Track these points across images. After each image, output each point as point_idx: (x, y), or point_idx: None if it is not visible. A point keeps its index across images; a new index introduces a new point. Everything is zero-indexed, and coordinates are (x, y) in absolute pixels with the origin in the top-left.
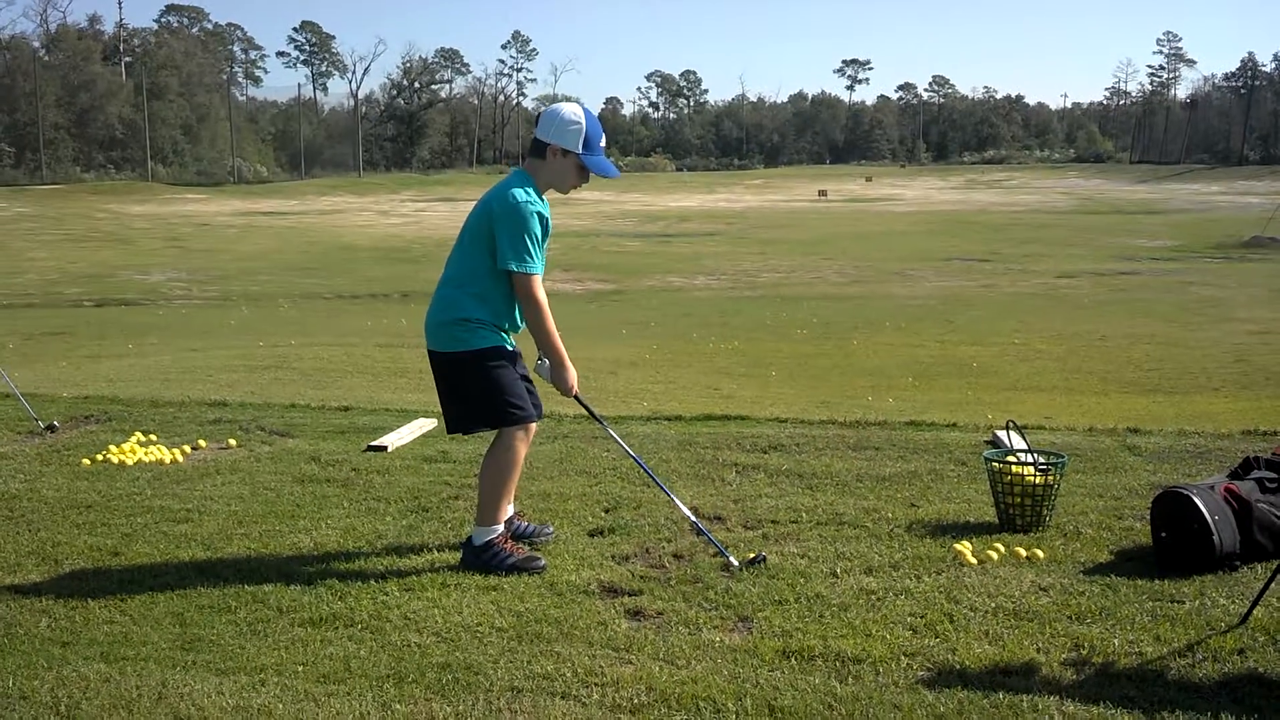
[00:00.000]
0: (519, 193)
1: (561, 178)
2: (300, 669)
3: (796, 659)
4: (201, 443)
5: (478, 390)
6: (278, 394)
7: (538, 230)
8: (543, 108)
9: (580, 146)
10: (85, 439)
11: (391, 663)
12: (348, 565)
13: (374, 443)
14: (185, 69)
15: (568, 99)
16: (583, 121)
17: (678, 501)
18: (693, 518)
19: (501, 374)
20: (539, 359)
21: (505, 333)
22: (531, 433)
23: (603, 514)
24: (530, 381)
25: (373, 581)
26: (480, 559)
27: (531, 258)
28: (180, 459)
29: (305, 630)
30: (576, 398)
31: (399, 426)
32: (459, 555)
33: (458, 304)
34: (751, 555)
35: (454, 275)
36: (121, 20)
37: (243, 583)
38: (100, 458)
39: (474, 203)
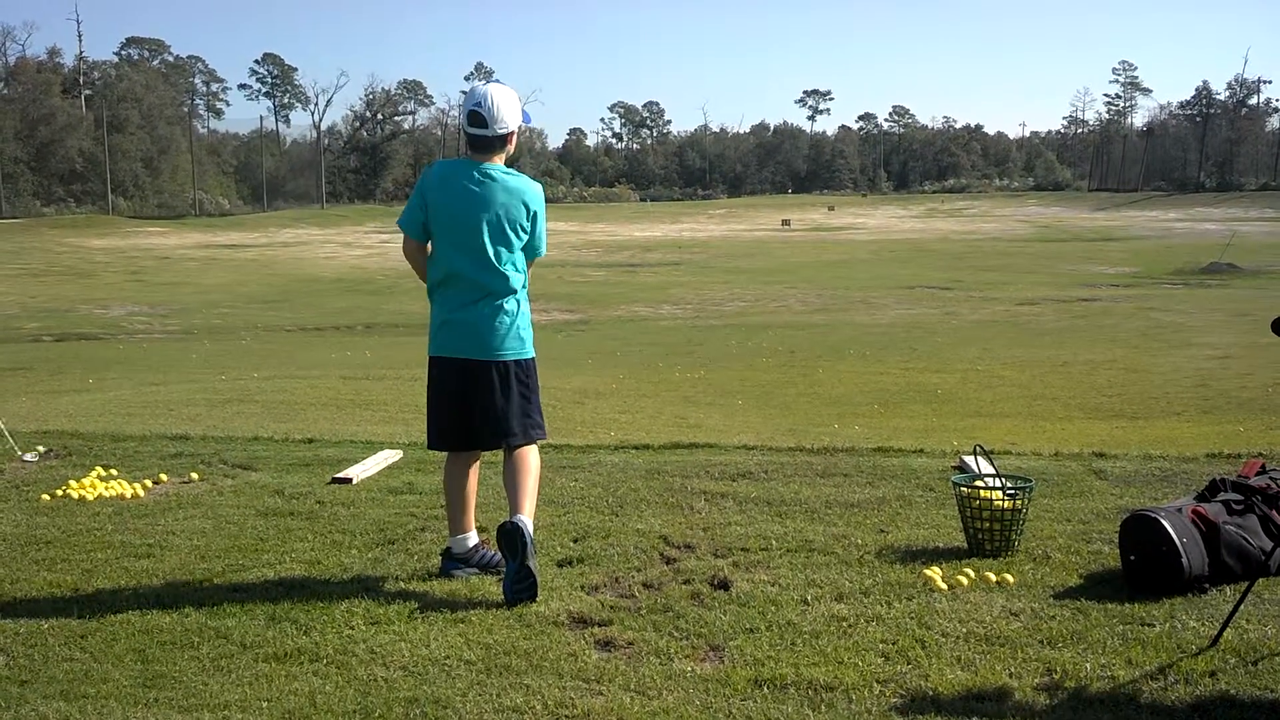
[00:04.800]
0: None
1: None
2: (265, 705)
3: (769, 688)
4: (163, 477)
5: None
6: (240, 427)
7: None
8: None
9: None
10: (45, 474)
11: (358, 698)
12: (312, 599)
13: (339, 475)
14: (146, 101)
15: (530, 129)
16: (516, 96)
17: None
18: None
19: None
20: None
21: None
22: (453, 458)
23: (571, 544)
24: (472, 407)
25: (338, 615)
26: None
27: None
28: (141, 493)
29: (269, 666)
30: None
31: (364, 458)
32: (426, 587)
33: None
34: None
35: None
36: (81, 53)
37: (205, 618)
38: (60, 493)
39: None
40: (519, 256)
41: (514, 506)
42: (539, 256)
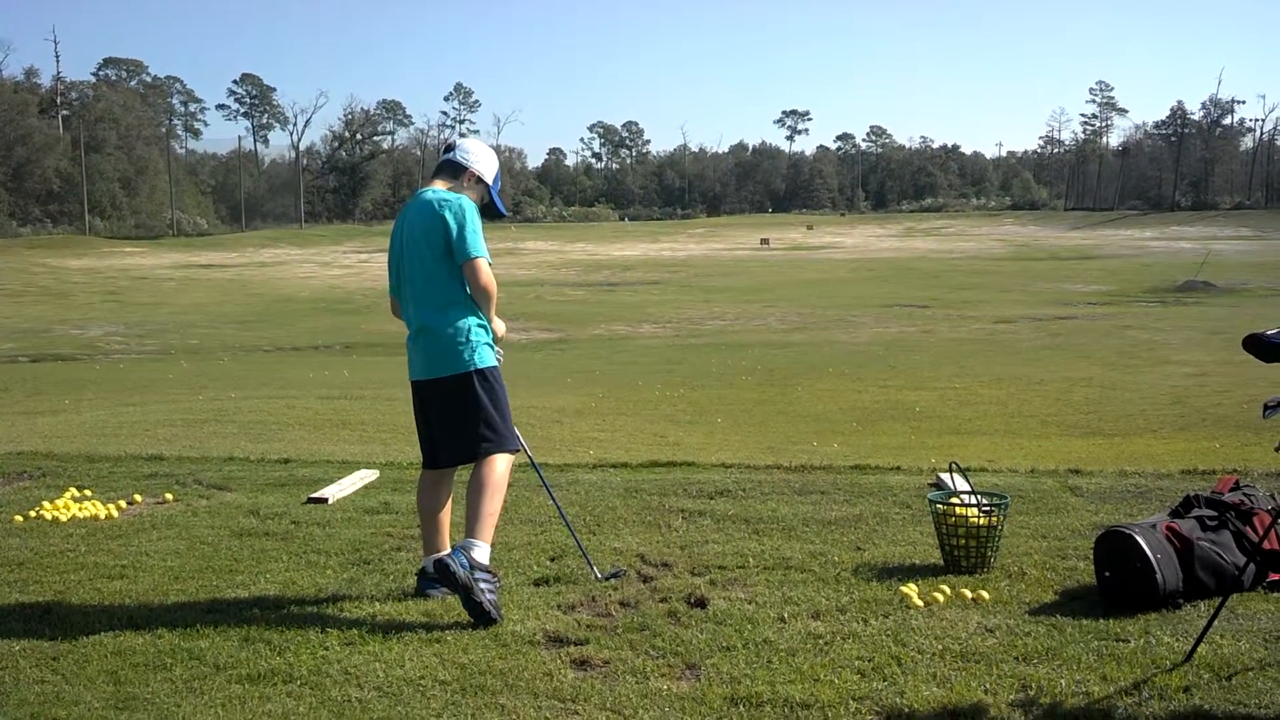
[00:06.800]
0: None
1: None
2: None
3: (745, 706)
4: (137, 497)
5: None
6: (216, 447)
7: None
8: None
9: (493, 180)
10: (18, 495)
11: (332, 719)
12: (287, 620)
13: (314, 495)
14: (124, 122)
15: (510, 149)
16: (497, 162)
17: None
18: (571, 530)
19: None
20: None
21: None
22: (423, 477)
23: (548, 562)
24: (426, 425)
25: (312, 636)
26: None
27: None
28: (115, 514)
29: (243, 687)
30: None
31: (340, 478)
32: (401, 607)
33: None
34: (610, 569)
35: None
36: (59, 73)
37: (179, 639)
38: (33, 514)
39: None
40: (443, 268)
41: (466, 528)
42: (471, 258)
